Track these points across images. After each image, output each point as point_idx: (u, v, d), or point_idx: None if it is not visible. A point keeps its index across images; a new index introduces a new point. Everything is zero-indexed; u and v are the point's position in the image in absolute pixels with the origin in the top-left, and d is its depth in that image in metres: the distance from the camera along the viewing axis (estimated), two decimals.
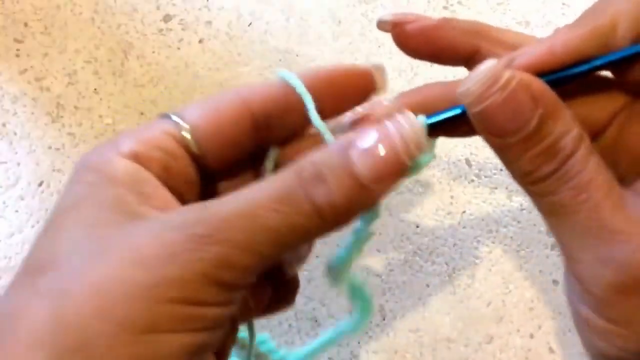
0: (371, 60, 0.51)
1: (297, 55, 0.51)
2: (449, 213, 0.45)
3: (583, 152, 0.22)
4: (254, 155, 0.27)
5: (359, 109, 0.25)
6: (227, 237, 0.20)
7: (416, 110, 0.24)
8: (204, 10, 0.53)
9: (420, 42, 0.27)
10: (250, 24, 0.53)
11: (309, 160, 0.22)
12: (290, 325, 0.42)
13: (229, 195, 0.22)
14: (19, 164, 0.47)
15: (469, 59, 0.27)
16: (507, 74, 0.22)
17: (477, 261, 0.44)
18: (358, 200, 0.22)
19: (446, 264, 0.44)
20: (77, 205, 0.22)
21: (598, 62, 0.23)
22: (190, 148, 0.25)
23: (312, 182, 0.21)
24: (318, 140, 0.26)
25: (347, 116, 0.25)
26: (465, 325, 0.42)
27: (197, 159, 0.25)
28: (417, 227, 0.45)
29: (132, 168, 0.23)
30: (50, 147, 0.48)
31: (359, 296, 0.29)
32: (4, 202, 0.46)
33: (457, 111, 0.24)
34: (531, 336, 0.42)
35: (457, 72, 0.52)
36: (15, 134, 0.48)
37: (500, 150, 0.23)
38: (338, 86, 0.27)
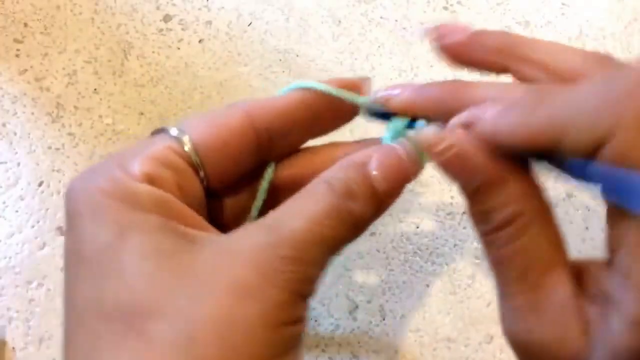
0: (371, 60, 0.51)
1: (297, 55, 0.51)
2: (449, 213, 0.45)
3: (511, 231, 0.22)
4: (253, 170, 0.28)
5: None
6: (306, 255, 0.22)
7: (429, 109, 0.27)
8: (203, 10, 0.53)
9: (456, 57, 0.29)
10: (250, 23, 0.53)
11: (335, 177, 0.24)
12: None
13: (283, 212, 0.23)
14: (19, 164, 0.47)
15: (503, 73, 0.28)
16: (445, 143, 0.23)
17: (477, 261, 0.44)
18: (378, 212, 0.25)
19: (446, 264, 0.44)
20: (122, 238, 0.21)
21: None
22: (194, 164, 0.25)
23: (346, 198, 0.23)
24: (313, 155, 0.29)
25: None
26: (465, 325, 0.42)
27: (201, 175, 0.25)
28: (417, 227, 0.45)
29: (154, 191, 0.22)
30: (50, 147, 0.48)
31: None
32: (4, 202, 0.46)
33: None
34: None
35: (457, 73, 0.52)
36: (15, 134, 0.48)
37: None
38: (333, 102, 0.28)
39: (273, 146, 0.27)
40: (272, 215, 0.23)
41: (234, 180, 0.27)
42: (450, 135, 0.23)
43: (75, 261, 0.22)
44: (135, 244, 0.21)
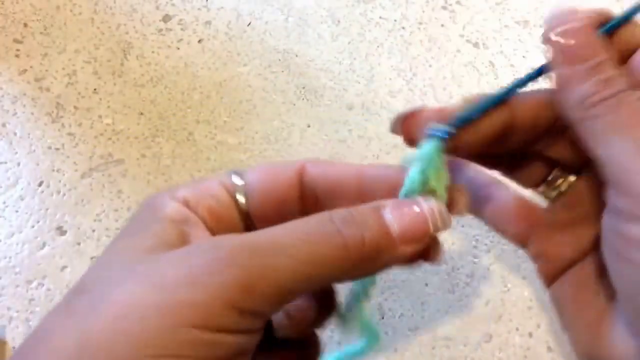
0: (370, 60, 0.51)
1: (296, 55, 0.51)
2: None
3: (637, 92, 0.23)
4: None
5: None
6: (249, 262, 0.21)
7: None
8: (203, 11, 0.53)
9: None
10: (250, 24, 0.53)
11: (341, 209, 0.24)
12: None
13: (267, 229, 0.23)
14: (18, 164, 0.47)
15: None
16: (583, 12, 0.24)
17: (475, 260, 0.44)
18: (384, 249, 0.23)
19: (445, 263, 0.44)
20: (125, 236, 0.24)
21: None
22: (240, 205, 0.26)
23: (344, 220, 0.23)
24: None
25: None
26: (464, 323, 0.42)
27: (245, 216, 0.27)
28: None
29: (180, 209, 0.25)
30: (50, 147, 0.48)
31: (365, 328, 0.30)
32: (4, 202, 0.46)
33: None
34: (530, 335, 0.42)
35: (455, 73, 0.52)
36: (15, 134, 0.48)
37: (566, 79, 0.25)
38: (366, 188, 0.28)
39: (318, 207, 0.27)
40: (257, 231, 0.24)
41: (276, 224, 0.28)
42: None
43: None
44: (125, 244, 0.23)
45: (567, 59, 0.25)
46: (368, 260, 0.23)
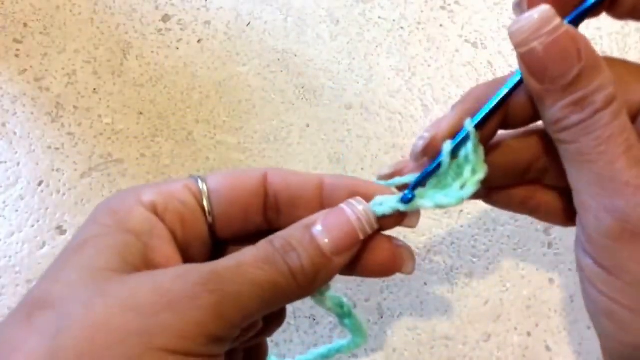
0: (369, 60, 0.51)
1: (295, 55, 0.51)
2: (446, 212, 0.46)
3: (612, 110, 0.23)
4: (262, 232, 0.29)
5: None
6: (221, 287, 0.22)
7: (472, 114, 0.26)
8: (202, 10, 0.53)
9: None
10: (249, 23, 0.53)
11: (279, 235, 0.25)
12: (289, 323, 0.43)
13: (221, 258, 0.24)
14: (18, 164, 0.47)
15: None
16: (557, 20, 0.23)
17: (474, 260, 0.44)
18: (323, 267, 0.25)
19: (444, 262, 0.44)
20: (84, 246, 0.24)
21: None
22: (205, 209, 0.27)
23: (283, 249, 0.24)
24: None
25: (417, 145, 0.27)
26: (463, 323, 0.42)
27: (210, 223, 0.27)
28: None
29: (147, 219, 0.25)
30: (49, 147, 0.48)
31: (351, 322, 0.31)
32: (3, 202, 0.46)
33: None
34: (528, 334, 0.42)
35: (454, 73, 0.52)
36: (15, 133, 0.48)
37: (538, 96, 0.24)
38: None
39: (280, 215, 0.29)
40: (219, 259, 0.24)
41: (239, 232, 0.29)
42: (555, 14, 0.23)
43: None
44: (85, 255, 0.23)
45: (537, 77, 0.24)
46: (311, 280, 0.25)
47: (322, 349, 0.35)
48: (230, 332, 0.23)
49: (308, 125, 0.49)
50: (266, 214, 0.28)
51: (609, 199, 0.23)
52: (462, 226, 0.45)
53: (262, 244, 0.25)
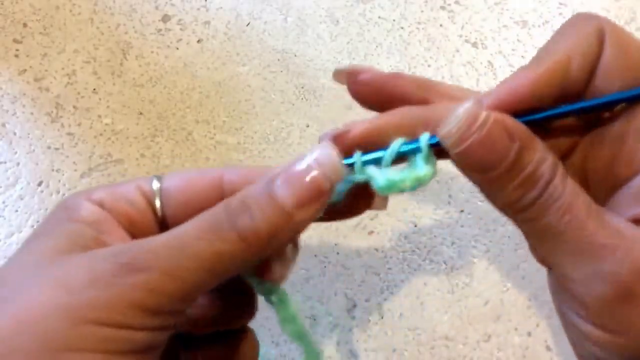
0: (369, 60, 0.51)
1: (295, 55, 0.51)
2: (447, 212, 0.46)
3: (560, 177, 0.23)
4: None
5: (339, 127, 0.26)
6: (152, 265, 0.22)
7: (393, 132, 0.25)
8: (202, 11, 0.53)
9: (373, 91, 0.28)
10: (249, 24, 0.53)
11: (238, 194, 0.24)
12: None
13: (173, 229, 0.24)
14: (18, 164, 0.47)
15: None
16: (483, 114, 0.23)
17: (475, 260, 0.44)
18: (282, 225, 0.23)
19: (444, 262, 0.44)
20: (39, 235, 0.25)
21: (565, 109, 0.25)
22: (156, 210, 0.27)
23: (237, 211, 0.23)
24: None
25: (326, 133, 0.26)
26: (463, 323, 0.42)
27: (161, 222, 0.27)
28: (415, 226, 0.45)
29: (95, 210, 0.26)
30: (49, 147, 0.48)
31: (305, 344, 0.30)
32: (3, 202, 0.46)
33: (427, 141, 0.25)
34: (529, 334, 0.42)
35: (454, 73, 0.52)
36: (14, 134, 0.48)
37: (484, 185, 0.24)
38: None
39: None
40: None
41: None
42: (480, 108, 0.23)
43: None
44: (39, 242, 0.24)
45: (478, 170, 0.24)
46: (269, 242, 0.23)
47: None
48: (170, 304, 0.23)
49: (308, 126, 0.49)
50: None
51: (592, 266, 0.23)
52: (462, 226, 0.45)
53: (215, 207, 0.24)
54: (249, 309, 0.30)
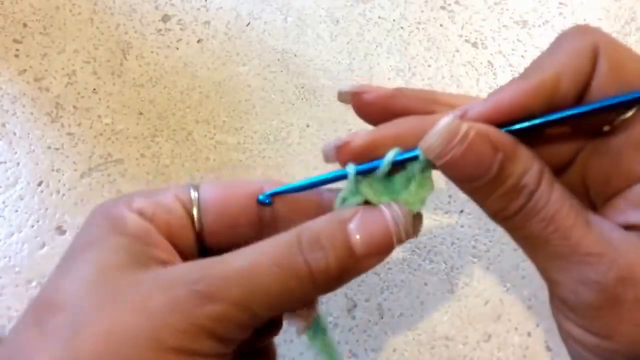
0: (369, 60, 0.51)
1: (295, 55, 0.51)
2: (447, 212, 0.46)
3: (545, 186, 0.23)
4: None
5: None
6: (226, 295, 0.22)
7: (393, 143, 0.25)
8: (202, 11, 0.53)
9: (378, 109, 0.28)
10: (249, 24, 0.53)
11: (309, 227, 0.24)
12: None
13: (233, 253, 0.24)
14: (18, 164, 0.47)
15: None
16: (464, 127, 0.23)
17: (475, 260, 0.44)
18: (349, 270, 0.24)
19: (444, 262, 0.44)
20: (88, 248, 0.24)
21: (554, 117, 0.24)
22: (194, 219, 0.27)
23: (311, 248, 0.23)
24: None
25: (329, 144, 0.26)
26: (463, 323, 0.42)
27: (198, 232, 0.27)
28: None
29: (140, 222, 0.25)
30: (49, 147, 0.48)
31: (327, 352, 0.30)
32: (3, 202, 0.46)
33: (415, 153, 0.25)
34: (529, 334, 0.42)
35: (454, 72, 0.52)
36: (14, 134, 0.48)
37: (470, 194, 0.25)
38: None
39: (279, 221, 0.28)
40: (230, 253, 0.24)
41: (230, 242, 0.28)
42: (461, 122, 0.23)
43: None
44: (92, 256, 0.24)
45: (463, 180, 0.24)
46: (334, 283, 0.24)
47: None
48: (237, 333, 0.23)
49: (308, 125, 0.49)
50: (261, 223, 0.28)
51: (578, 273, 0.23)
52: (462, 226, 0.45)
53: (286, 238, 0.24)
54: (276, 330, 0.31)
